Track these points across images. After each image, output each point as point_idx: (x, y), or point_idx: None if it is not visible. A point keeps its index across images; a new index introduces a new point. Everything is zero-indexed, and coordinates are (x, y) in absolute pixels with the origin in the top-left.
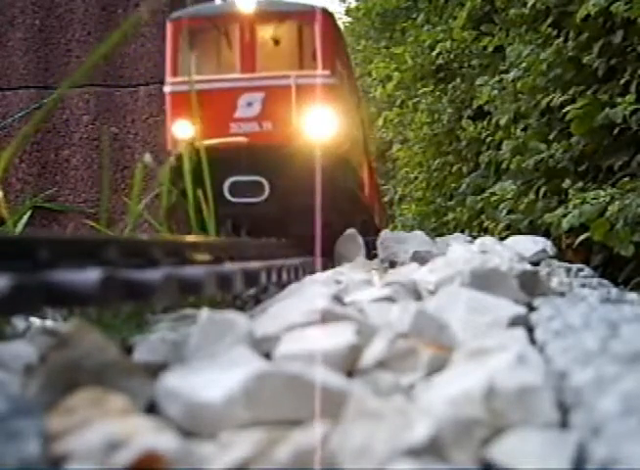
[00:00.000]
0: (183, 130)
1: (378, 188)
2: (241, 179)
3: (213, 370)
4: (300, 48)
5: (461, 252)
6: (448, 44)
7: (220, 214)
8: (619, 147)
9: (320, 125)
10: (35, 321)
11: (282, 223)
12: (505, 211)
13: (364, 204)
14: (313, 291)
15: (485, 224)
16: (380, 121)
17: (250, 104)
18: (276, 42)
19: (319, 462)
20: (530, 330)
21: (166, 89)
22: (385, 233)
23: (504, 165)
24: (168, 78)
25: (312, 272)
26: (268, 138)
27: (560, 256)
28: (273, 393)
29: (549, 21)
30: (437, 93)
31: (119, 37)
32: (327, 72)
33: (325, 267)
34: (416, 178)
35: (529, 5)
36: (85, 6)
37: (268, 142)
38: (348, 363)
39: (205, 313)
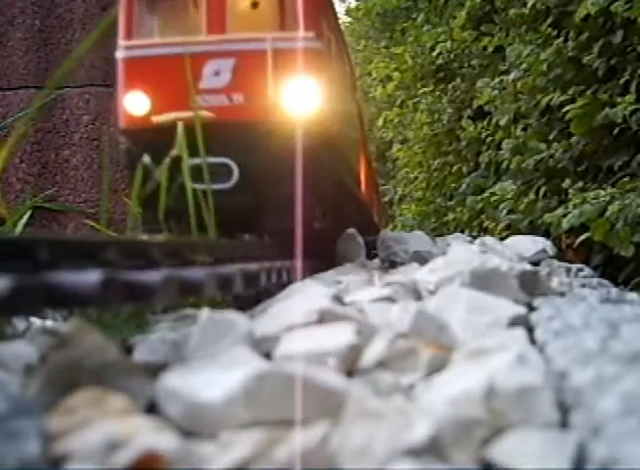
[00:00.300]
0: (137, 104)
1: (377, 187)
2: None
3: (213, 370)
4: (281, 6)
5: (461, 252)
6: (448, 44)
7: (178, 204)
8: (619, 147)
9: (301, 98)
10: (35, 321)
11: (253, 215)
12: (505, 211)
13: (358, 198)
14: (313, 291)
15: (485, 224)
16: (380, 121)
17: (217, 72)
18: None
19: (316, 462)
20: (530, 330)
21: (119, 55)
22: (385, 233)
23: (504, 165)
24: (121, 42)
25: (291, 280)
26: (239, 113)
27: (560, 256)
28: (273, 393)
29: (549, 21)
30: (437, 93)
31: (99, 36)
32: (310, 35)
33: (310, 271)
34: (416, 178)
35: (529, 5)
36: (85, 6)
37: (238, 118)
38: (348, 363)
39: (205, 313)
